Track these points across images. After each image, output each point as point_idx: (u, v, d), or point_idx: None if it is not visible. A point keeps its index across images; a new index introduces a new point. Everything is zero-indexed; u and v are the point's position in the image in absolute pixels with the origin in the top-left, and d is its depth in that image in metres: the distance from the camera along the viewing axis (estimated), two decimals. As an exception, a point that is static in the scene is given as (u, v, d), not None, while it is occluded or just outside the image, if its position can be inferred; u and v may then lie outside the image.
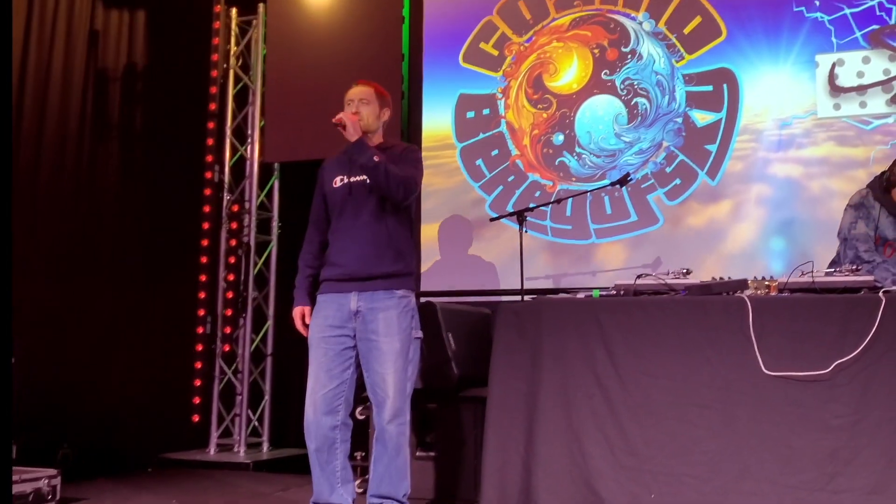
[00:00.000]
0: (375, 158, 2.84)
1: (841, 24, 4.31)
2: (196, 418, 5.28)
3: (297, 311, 2.98)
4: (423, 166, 3.15)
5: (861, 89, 4.27)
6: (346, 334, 2.88)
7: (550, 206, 4.52)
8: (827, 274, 2.95)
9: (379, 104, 3.00)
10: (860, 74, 4.27)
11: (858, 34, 4.28)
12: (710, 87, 4.52)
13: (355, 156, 2.88)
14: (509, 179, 4.85)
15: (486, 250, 4.85)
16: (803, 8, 4.37)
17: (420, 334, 2.96)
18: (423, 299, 4.50)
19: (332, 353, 2.87)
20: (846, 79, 4.30)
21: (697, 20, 4.58)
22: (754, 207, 4.40)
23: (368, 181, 2.90)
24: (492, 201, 4.86)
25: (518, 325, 3.11)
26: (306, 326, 2.95)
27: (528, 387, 3.04)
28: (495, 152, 4.91)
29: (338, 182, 2.97)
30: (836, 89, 4.32)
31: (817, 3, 4.35)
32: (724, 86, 4.49)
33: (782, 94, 4.40)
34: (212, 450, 5.23)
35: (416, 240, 3.07)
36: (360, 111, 2.94)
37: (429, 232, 4.94)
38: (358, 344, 2.89)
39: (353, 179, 2.95)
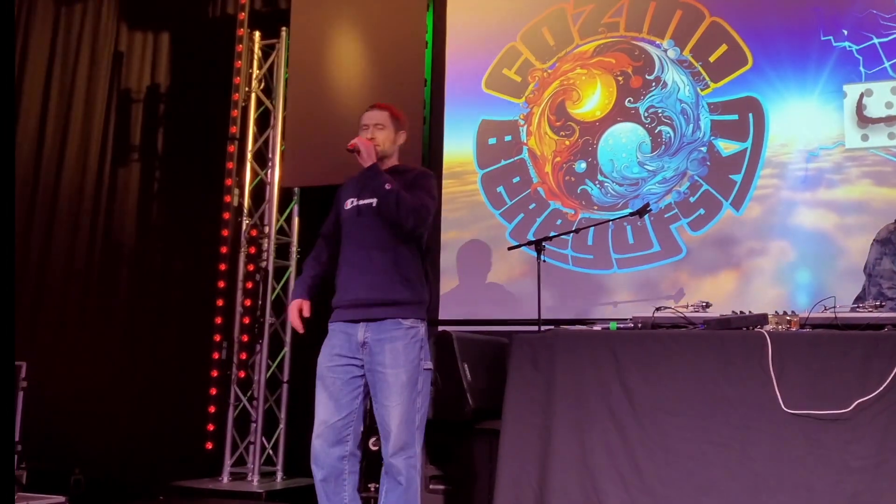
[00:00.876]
0: (387, 186, 2.88)
1: (869, 54, 4.33)
2: (209, 445, 5.31)
3: (293, 304, 3.01)
4: (440, 192, 3.20)
5: (890, 120, 4.28)
6: (354, 364, 2.91)
7: (572, 234, 4.55)
8: (850, 309, 2.96)
9: (394, 128, 3.05)
10: (889, 105, 4.28)
11: (887, 64, 4.29)
12: (735, 116, 4.56)
13: (368, 181, 2.94)
14: (530, 207, 4.91)
15: (505, 278, 4.89)
16: (831, 37, 4.39)
17: (430, 365, 2.97)
18: (440, 328, 4.56)
19: (340, 382, 2.89)
20: (875, 109, 4.31)
21: (723, 48, 4.62)
22: (779, 239, 4.40)
23: (379, 207, 2.95)
24: (512, 229, 4.92)
25: (532, 356, 3.14)
26: (302, 321, 2.97)
27: (542, 420, 3.07)
28: (517, 179, 4.97)
29: (348, 204, 3.03)
30: (864, 120, 4.33)
31: (845, 32, 4.37)
32: (750, 115, 4.52)
33: (809, 124, 4.42)
34: (225, 478, 5.27)
35: (429, 267, 3.10)
36: (376, 136, 3.00)
37: (447, 259, 5.00)
38: (367, 375, 2.91)
39: (361, 202, 2.99)
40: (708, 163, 4.59)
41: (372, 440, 3.89)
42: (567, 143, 4.90)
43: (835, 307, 2.95)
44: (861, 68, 4.34)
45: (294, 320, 3.00)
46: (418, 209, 2.93)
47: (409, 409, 2.86)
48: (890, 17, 4.31)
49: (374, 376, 2.88)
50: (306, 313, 3.00)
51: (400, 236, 2.94)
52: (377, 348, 2.87)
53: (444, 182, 5.09)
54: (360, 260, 2.94)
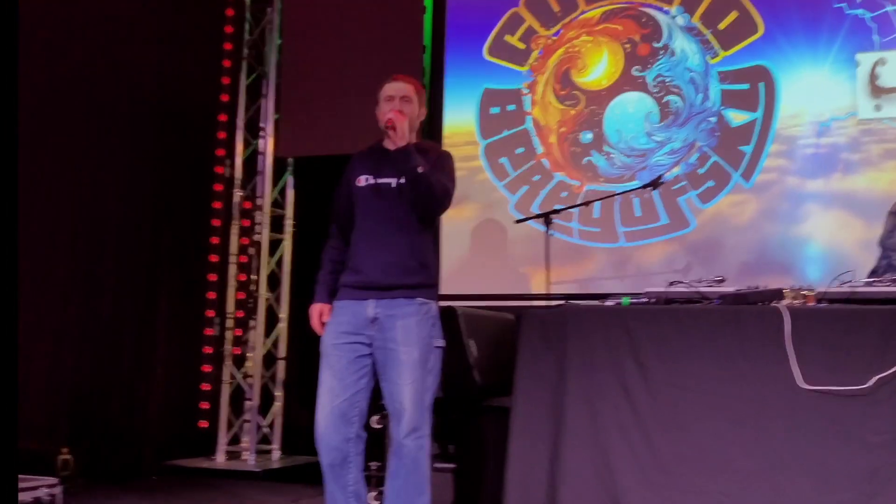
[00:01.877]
0: (420, 169, 2.82)
1: (883, 22, 4.35)
2: (203, 424, 5.34)
3: (314, 308, 2.97)
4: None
5: (904, 90, 4.31)
6: (360, 341, 2.87)
7: (578, 207, 4.58)
8: (867, 284, 3.00)
9: (418, 102, 2.99)
10: (903, 75, 4.31)
11: (902, 32, 4.32)
12: (745, 86, 4.58)
13: (398, 161, 2.86)
14: (534, 179, 4.92)
15: (510, 252, 4.93)
16: (844, 4, 4.41)
17: (442, 343, 2.97)
18: (443, 303, 4.58)
19: (346, 360, 2.86)
20: (888, 79, 4.34)
21: (733, 15, 4.63)
22: (790, 211, 4.45)
23: (405, 188, 2.88)
24: (516, 201, 4.93)
25: (543, 332, 3.16)
26: (322, 325, 2.95)
27: (553, 397, 3.09)
28: (520, 150, 4.98)
29: (362, 181, 2.95)
30: (877, 90, 4.36)
31: (858, -1, 4.40)
32: (761, 84, 4.55)
33: (821, 94, 4.46)
34: (220, 457, 5.30)
35: (437, 246, 3.11)
36: (404, 110, 2.90)
37: (449, 232, 4.97)
38: (374, 353, 2.88)
39: (380, 181, 2.93)
40: (717, 133, 4.62)
41: (375, 418, 3.92)
42: (572, 112, 4.90)
43: (851, 281, 2.99)
44: (875, 36, 4.37)
45: (315, 326, 2.97)
46: (443, 198, 2.91)
47: (421, 387, 2.85)
48: (906, -16, 4.33)
49: (384, 353, 2.86)
50: (326, 318, 2.96)
51: (417, 218, 2.91)
52: (388, 324, 2.85)
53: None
54: (374, 241, 2.90)
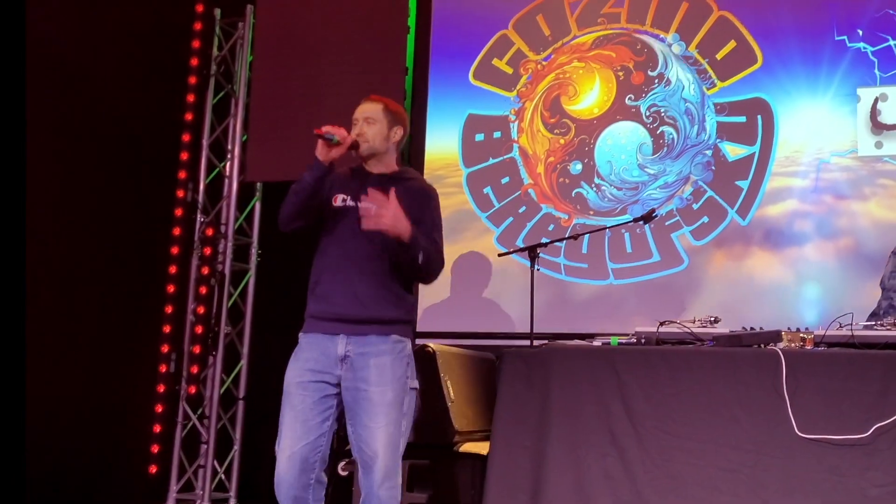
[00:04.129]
0: (420, 259, 2.86)
1: (885, 56, 4.51)
2: (153, 469, 5.29)
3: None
4: None
5: (905, 128, 4.46)
6: (326, 381, 2.86)
7: (565, 241, 4.65)
8: (866, 327, 3.09)
9: (388, 122, 2.99)
10: (905, 111, 4.46)
11: (904, 68, 4.48)
12: (743, 118, 4.71)
13: (400, 254, 2.86)
14: (520, 210, 5.00)
15: (491, 288, 4.98)
16: (845, 37, 4.57)
17: (416, 384, 2.96)
18: (419, 342, 4.61)
19: (310, 401, 2.85)
20: (890, 115, 4.48)
21: (731, 45, 4.78)
22: (788, 250, 4.56)
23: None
24: (500, 234, 5.00)
25: (525, 374, 3.22)
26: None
27: (534, 444, 3.14)
28: (506, 180, 5.06)
29: (338, 201, 2.96)
30: (878, 126, 4.50)
31: (860, 32, 4.55)
32: (759, 117, 4.68)
33: (821, 129, 4.59)
34: (171, 505, 5.27)
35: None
36: (364, 131, 2.95)
37: None
38: (343, 394, 2.87)
39: (360, 204, 2.92)
40: (713, 167, 4.73)
41: (341, 464, 3.93)
42: (562, 141, 5.00)
43: (851, 324, 3.08)
44: (876, 71, 4.52)
45: (339, 135, 2.89)
46: (439, 266, 2.97)
47: (395, 431, 2.84)
48: (908, 18, 4.50)
49: (355, 395, 2.85)
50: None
51: (395, 249, 2.91)
52: (360, 363, 2.85)
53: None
54: (346, 269, 2.91)
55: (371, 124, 2.98)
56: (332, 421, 2.90)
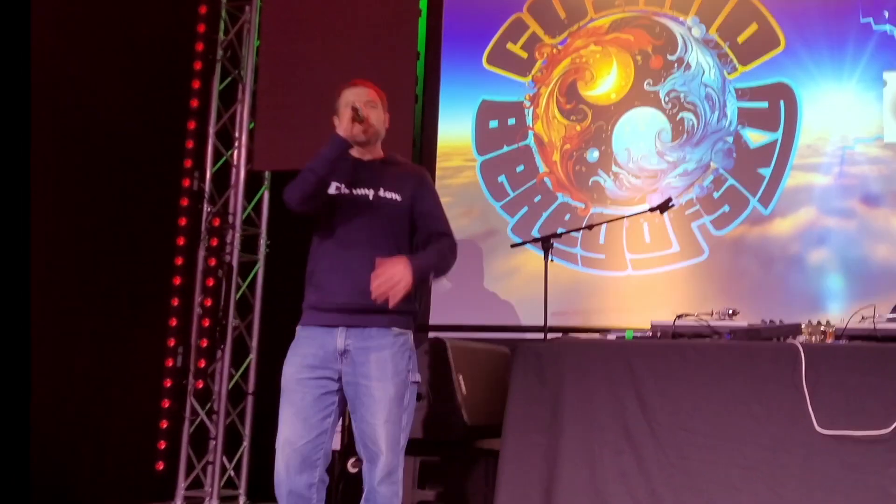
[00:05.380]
0: (433, 276, 3.00)
1: (913, 39, 4.51)
2: (161, 466, 5.34)
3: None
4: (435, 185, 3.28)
5: (933, 113, 4.46)
6: (327, 376, 2.90)
7: (582, 231, 4.69)
8: (889, 320, 3.12)
9: (383, 107, 3.09)
10: (932, 96, 4.47)
11: (932, 50, 4.48)
12: (765, 104, 4.72)
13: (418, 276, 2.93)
14: (536, 199, 5.04)
15: (506, 280, 5.03)
16: (871, 19, 4.57)
17: (418, 378, 3.00)
18: (431, 335, 4.67)
19: (311, 398, 2.88)
20: (917, 101, 4.49)
21: (753, 28, 4.79)
22: (811, 240, 4.58)
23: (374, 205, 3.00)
24: (515, 224, 5.05)
25: (538, 368, 3.26)
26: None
27: (547, 440, 3.18)
28: (521, 168, 5.10)
29: (332, 188, 3.00)
30: (904, 111, 4.51)
31: (886, 14, 4.55)
32: (781, 102, 4.69)
33: (845, 114, 4.60)
34: (178, 503, 5.34)
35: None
36: (370, 115, 3.00)
37: None
38: (345, 388, 2.91)
39: (355, 192, 3.01)
40: (734, 154, 4.75)
41: (351, 461, 3.99)
42: (578, 128, 5.04)
43: (874, 317, 3.11)
44: (903, 54, 4.52)
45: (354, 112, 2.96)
46: (453, 256, 3.05)
47: (397, 427, 2.89)
48: (937, -1, 4.49)
49: (356, 389, 2.89)
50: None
51: (393, 233, 2.99)
52: (361, 358, 2.89)
53: (437, 169, 5.20)
54: (346, 258, 2.95)
55: (373, 108, 3.04)
56: (335, 417, 2.95)
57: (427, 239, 3.04)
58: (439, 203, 3.13)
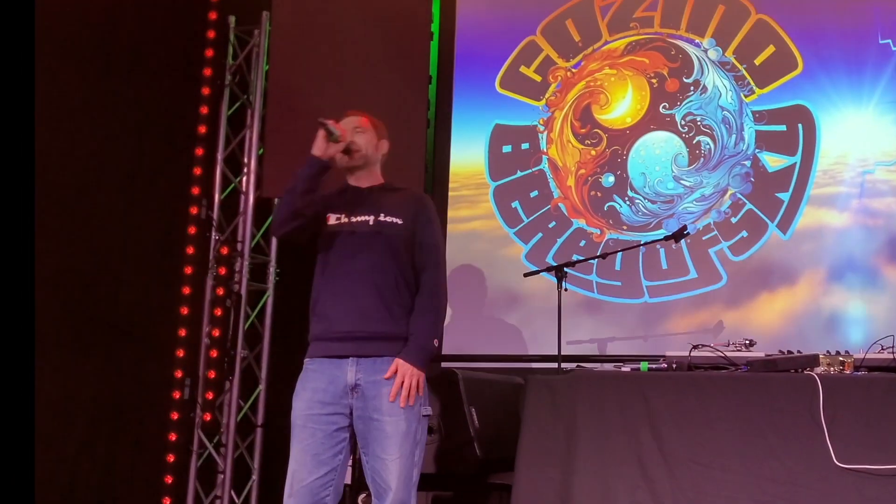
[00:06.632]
0: (435, 342, 3.07)
1: (932, 61, 4.57)
2: (167, 501, 5.34)
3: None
4: (445, 207, 3.35)
5: (954, 136, 4.50)
6: (338, 412, 2.96)
7: (596, 259, 4.74)
8: (909, 351, 3.17)
9: (375, 134, 3.19)
10: (952, 119, 4.51)
11: (952, 73, 4.53)
12: (783, 127, 4.79)
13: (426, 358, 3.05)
14: (550, 225, 5.11)
15: (519, 308, 5.08)
16: (889, 40, 4.63)
17: (429, 411, 3.06)
18: (443, 365, 4.73)
19: (321, 434, 2.93)
20: (937, 123, 4.53)
21: (770, 50, 4.86)
22: (831, 266, 4.62)
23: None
24: (529, 250, 5.12)
25: (552, 401, 3.32)
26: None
27: (561, 475, 3.24)
28: (534, 193, 5.18)
29: (332, 219, 3.09)
30: (925, 135, 4.55)
31: (904, 35, 4.62)
32: (800, 125, 4.75)
33: (865, 137, 4.66)
34: (186, 539, 5.39)
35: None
36: (356, 139, 3.11)
37: (453, 283, 5.06)
38: (355, 423, 2.96)
39: (354, 219, 3.08)
40: (752, 179, 4.81)
41: (361, 497, 4.04)
42: (593, 153, 5.11)
43: (893, 347, 3.16)
44: (922, 76, 4.57)
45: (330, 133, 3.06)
46: (444, 310, 3.16)
47: (409, 462, 2.93)
48: (957, 21, 4.54)
49: (367, 424, 2.94)
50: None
51: (395, 257, 3.05)
52: (372, 392, 2.94)
53: (450, 195, 5.29)
54: (348, 285, 3.01)
55: (361, 133, 3.15)
56: (346, 454, 3.00)
57: (419, 269, 3.11)
58: (437, 231, 3.20)
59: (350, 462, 3.20)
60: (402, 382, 2.93)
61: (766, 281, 4.71)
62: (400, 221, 3.09)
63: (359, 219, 3.08)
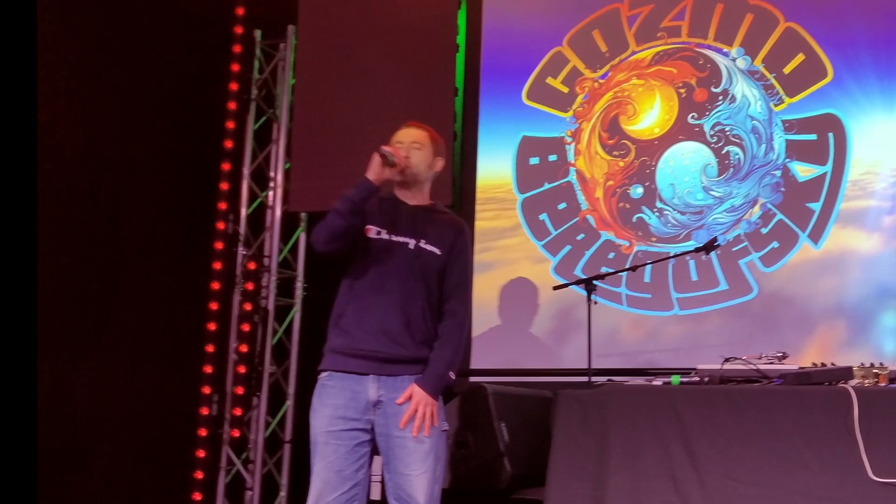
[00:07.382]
0: (452, 375, 3.08)
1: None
2: (196, 518, 5.48)
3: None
4: (473, 220, 3.33)
5: None
6: (360, 427, 2.98)
7: (626, 272, 4.77)
8: (946, 363, 3.17)
9: (433, 151, 3.18)
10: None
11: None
12: (813, 136, 4.79)
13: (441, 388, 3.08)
14: (578, 238, 5.14)
15: (549, 321, 5.12)
16: (920, 47, 4.63)
17: (446, 426, 3.09)
18: (471, 379, 4.77)
19: (344, 450, 2.96)
20: (968, 130, 4.51)
21: (800, 58, 4.87)
22: (864, 277, 4.62)
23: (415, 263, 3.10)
24: (557, 263, 5.15)
25: (582, 415, 3.34)
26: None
27: (592, 490, 3.26)
28: (563, 206, 5.21)
29: (373, 232, 3.09)
30: (956, 142, 4.53)
31: (937, 43, 4.61)
32: (830, 135, 4.75)
33: (896, 145, 4.65)
34: (215, 557, 5.45)
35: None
36: (411, 155, 3.11)
37: (480, 297, 5.07)
38: (377, 438, 3.00)
39: (395, 238, 3.10)
40: (782, 189, 4.82)
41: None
42: (621, 164, 5.14)
43: (929, 359, 3.17)
44: (953, 83, 4.56)
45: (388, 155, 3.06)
46: (462, 346, 3.15)
47: (432, 478, 2.98)
48: None
49: (389, 441, 2.98)
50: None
51: (427, 282, 3.08)
52: (393, 409, 2.98)
53: (477, 207, 5.33)
54: (376, 304, 3.04)
55: (418, 150, 3.15)
56: (368, 468, 3.04)
57: (446, 297, 3.14)
58: (469, 262, 3.24)
59: (380, 479, 3.25)
60: (416, 410, 2.98)
61: (797, 292, 4.72)
62: (438, 252, 3.12)
63: (400, 239, 3.11)
